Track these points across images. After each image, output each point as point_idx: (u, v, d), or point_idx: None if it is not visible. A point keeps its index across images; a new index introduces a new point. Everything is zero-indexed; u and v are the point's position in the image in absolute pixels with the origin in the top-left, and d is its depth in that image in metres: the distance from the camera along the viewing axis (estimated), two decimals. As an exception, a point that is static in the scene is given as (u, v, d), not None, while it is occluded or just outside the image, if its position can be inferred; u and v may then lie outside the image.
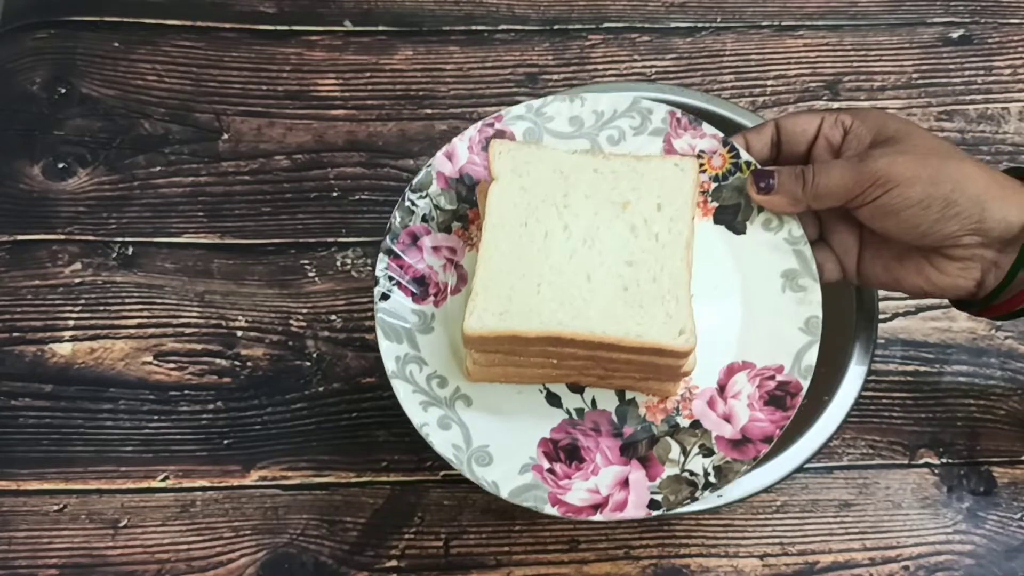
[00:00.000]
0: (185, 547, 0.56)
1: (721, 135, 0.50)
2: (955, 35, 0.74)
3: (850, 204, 0.46)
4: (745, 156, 0.49)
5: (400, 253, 0.49)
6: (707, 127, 0.50)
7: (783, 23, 0.74)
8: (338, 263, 0.64)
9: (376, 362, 0.61)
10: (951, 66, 0.73)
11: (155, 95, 0.70)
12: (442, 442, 0.45)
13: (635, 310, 0.43)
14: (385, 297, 0.48)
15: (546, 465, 0.46)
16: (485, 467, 0.45)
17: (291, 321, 0.62)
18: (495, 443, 0.46)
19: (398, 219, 0.49)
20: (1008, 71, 0.73)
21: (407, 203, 0.49)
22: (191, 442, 0.59)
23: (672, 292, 0.43)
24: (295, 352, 0.62)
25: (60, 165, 0.67)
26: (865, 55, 0.73)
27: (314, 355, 0.61)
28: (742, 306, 0.47)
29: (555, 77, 0.71)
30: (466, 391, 0.47)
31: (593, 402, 0.47)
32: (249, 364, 0.61)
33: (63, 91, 0.70)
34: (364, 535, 0.57)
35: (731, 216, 0.49)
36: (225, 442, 0.59)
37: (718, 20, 0.74)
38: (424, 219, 0.49)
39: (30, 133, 0.68)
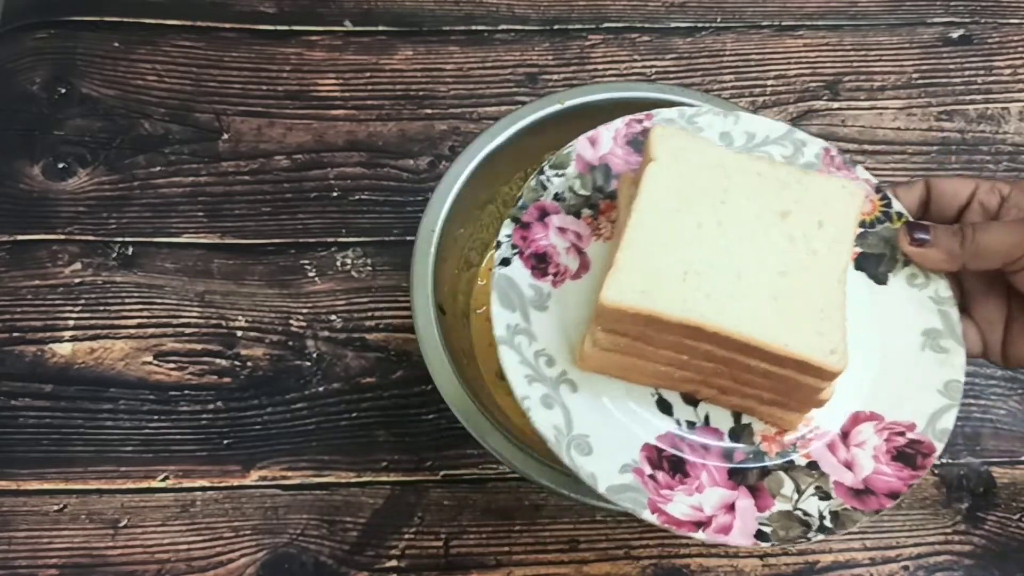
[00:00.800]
0: (185, 547, 0.56)
1: (875, 181, 0.48)
2: (955, 35, 0.74)
3: (1009, 268, 0.44)
4: (897, 206, 0.48)
5: (527, 224, 0.48)
6: (860, 170, 0.49)
7: (783, 23, 0.74)
8: (338, 263, 0.64)
9: (376, 362, 0.62)
10: (951, 66, 0.73)
11: (155, 95, 0.70)
12: (542, 420, 0.43)
13: (785, 320, 0.41)
14: (506, 262, 0.47)
15: (648, 471, 0.44)
16: (585, 456, 0.43)
17: (291, 321, 0.62)
18: (596, 435, 0.44)
19: (530, 191, 0.48)
20: (1008, 71, 0.73)
21: (543, 177, 0.49)
22: (191, 442, 0.59)
23: (825, 311, 0.41)
24: (295, 352, 0.62)
25: (60, 165, 0.67)
26: (865, 55, 0.73)
27: (314, 355, 0.61)
28: (875, 356, 0.46)
29: (555, 77, 0.71)
30: (573, 376, 0.45)
31: (707, 418, 0.45)
32: (249, 364, 0.61)
33: (63, 91, 0.70)
34: (364, 535, 0.57)
35: (874, 265, 0.47)
36: (225, 442, 0.59)
37: (718, 20, 0.74)
38: (556, 197, 0.48)
39: (30, 133, 0.68)
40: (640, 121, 0.50)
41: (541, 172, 0.49)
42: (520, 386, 0.44)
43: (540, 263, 0.47)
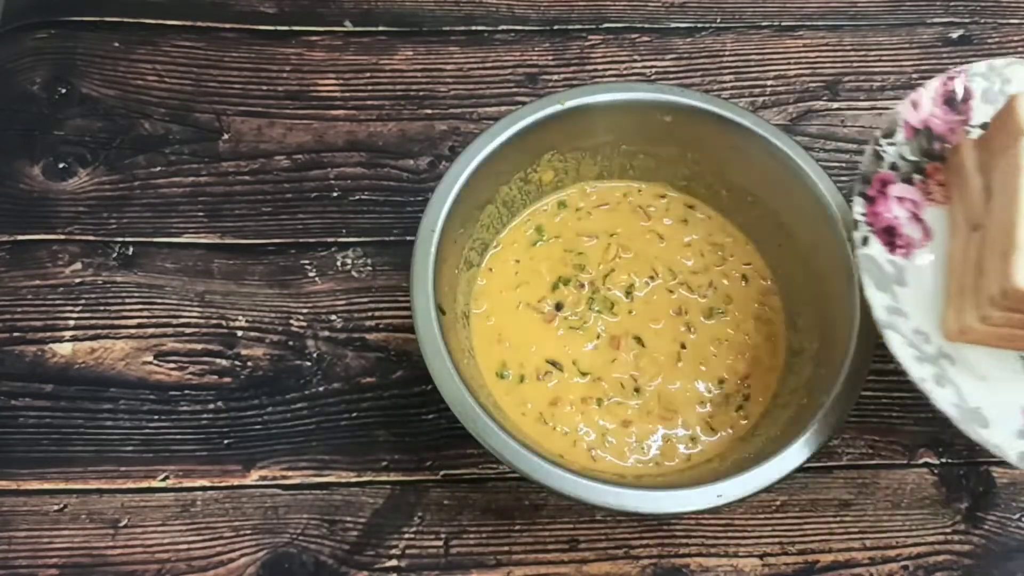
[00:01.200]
0: (185, 547, 0.56)
1: None
2: (955, 35, 0.74)
3: None
4: None
5: (873, 199, 0.48)
6: None
7: (783, 23, 0.74)
8: (338, 263, 0.64)
9: (376, 362, 0.62)
10: (951, 66, 0.73)
11: (155, 95, 0.70)
12: (942, 399, 0.43)
13: None
14: (865, 241, 0.47)
15: None
16: (984, 429, 0.42)
17: (291, 321, 0.62)
18: (985, 405, 0.43)
19: (870, 163, 0.48)
20: (1008, 71, 0.73)
21: (878, 148, 0.49)
22: (191, 442, 0.59)
23: None
24: (295, 352, 0.62)
25: (60, 165, 0.67)
26: (865, 55, 0.73)
27: (314, 355, 0.62)
28: None
29: (555, 77, 0.71)
30: (947, 350, 0.45)
31: None
32: (249, 364, 0.61)
33: (63, 91, 0.70)
34: (364, 535, 0.57)
35: None
36: (225, 442, 0.59)
37: (718, 20, 0.74)
38: (892, 167, 0.48)
39: (30, 133, 0.68)
40: (952, 79, 0.48)
41: (874, 143, 0.49)
42: (913, 367, 0.44)
43: (890, 237, 0.47)
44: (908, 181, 0.49)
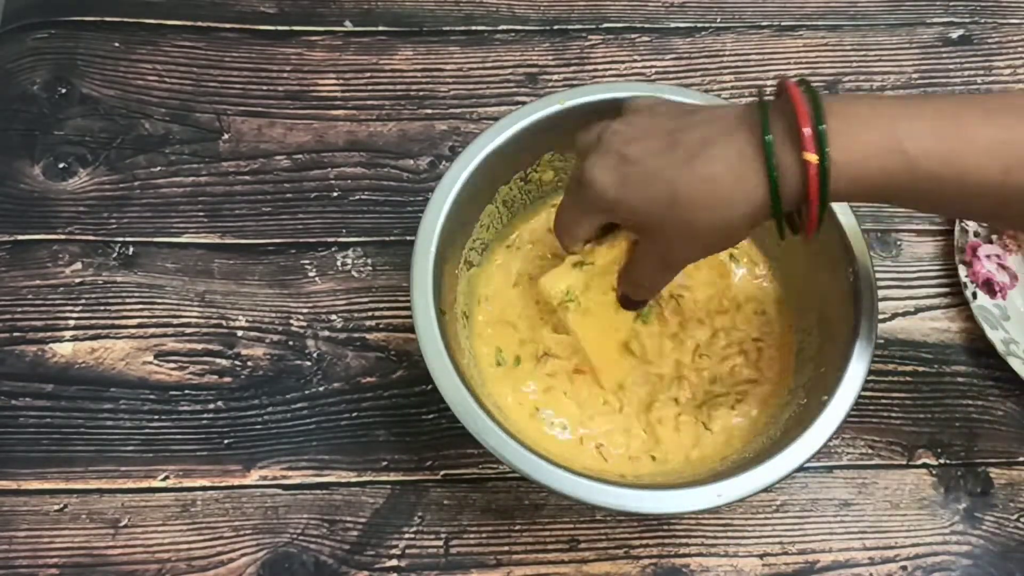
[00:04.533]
0: (185, 547, 0.56)
1: None
2: (955, 35, 0.74)
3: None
4: None
5: (970, 263, 0.63)
6: None
7: (783, 23, 0.74)
8: (338, 263, 0.65)
9: (376, 362, 0.62)
10: (951, 66, 0.73)
11: (156, 95, 0.70)
12: None
13: None
14: (975, 296, 0.62)
15: None
16: None
17: (291, 321, 0.63)
18: None
19: (959, 237, 0.64)
20: (1008, 71, 0.73)
21: (963, 224, 0.64)
22: (191, 442, 0.59)
23: None
24: (295, 352, 0.62)
25: (61, 165, 0.67)
26: (865, 55, 0.73)
27: (314, 355, 0.62)
28: None
29: (555, 77, 0.71)
30: None
31: None
32: (249, 364, 0.61)
33: (63, 91, 0.70)
34: (364, 535, 0.57)
35: None
36: (225, 442, 0.59)
37: (718, 20, 0.74)
38: (976, 235, 0.64)
39: (30, 133, 0.68)
40: None
41: (960, 221, 0.64)
42: None
43: (990, 287, 0.62)
44: (989, 241, 0.64)
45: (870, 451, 0.60)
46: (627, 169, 0.45)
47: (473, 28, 0.73)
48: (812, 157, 0.41)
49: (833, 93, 0.71)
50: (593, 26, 0.74)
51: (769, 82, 0.72)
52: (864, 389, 0.51)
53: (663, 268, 0.49)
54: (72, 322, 0.62)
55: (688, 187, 0.43)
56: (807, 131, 0.41)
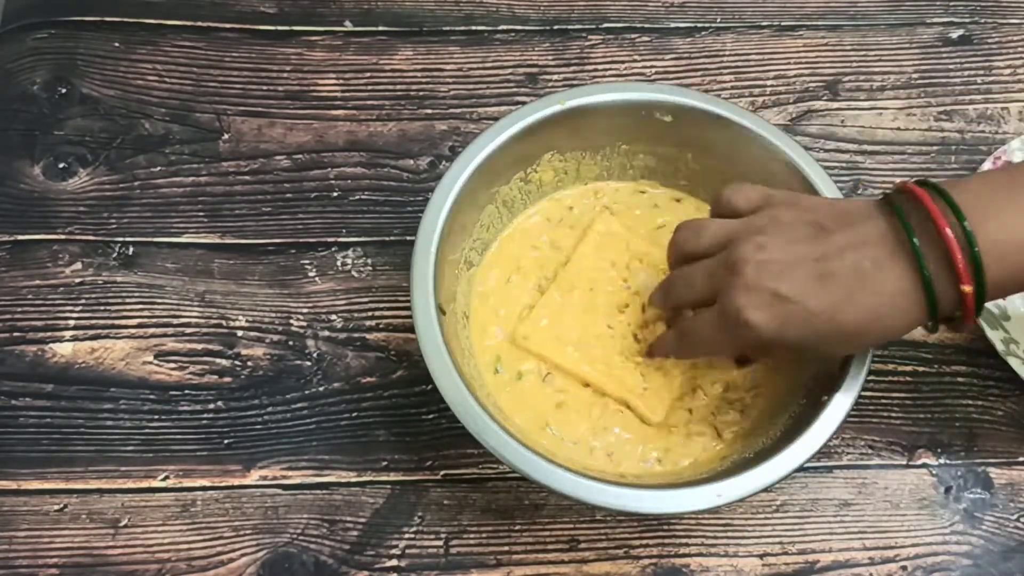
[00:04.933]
0: (185, 547, 0.56)
1: None
2: (955, 35, 0.74)
3: None
4: None
5: None
6: None
7: (783, 23, 0.74)
8: (338, 263, 0.65)
9: (376, 362, 0.62)
10: (951, 66, 0.73)
11: (156, 95, 0.70)
12: None
13: None
14: None
15: None
16: None
17: (291, 321, 0.63)
18: None
19: None
20: (1008, 71, 0.73)
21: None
22: (191, 442, 0.59)
23: None
24: (295, 352, 0.62)
25: (61, 165, 0.67)
26: (865, 55, 0.73)
27: (314, 355, 0.62)
28: None
29: (555, 77, 0.71)
30: None
31: None
32: (249, 364, 0.61)
33: (63, 91, 0.70)
34: (364, 535, 0.57)
35: None
36: (225, 442, 0.59)
37: (718, 20, 0.74)
38: None
39: (30, 133, 0.68)
40: (998, 159, 0.60)
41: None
42: None
43: None
44: None
45: (870, 451, 0.60)
46: (785, 309, 0.45)
47: (473, 28, 0.73)
48: (969, 289, 0.43)
49: (832, 92, 0.71)
50: (593, 26, 0.74)
51: (769, 82, 0.72)
52: (864, 389, 0.51)
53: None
54: (72, 322, 0.62)
55: (851, 323, 0.45)
56: (961, 263, 0.43)
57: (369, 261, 0.65)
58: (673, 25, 0.74)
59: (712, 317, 0.48)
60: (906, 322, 0.45)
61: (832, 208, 0.48)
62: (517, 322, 0.57)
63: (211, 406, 0.60)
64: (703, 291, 0.49)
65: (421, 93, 0.71)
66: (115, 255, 0.64)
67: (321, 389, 0.61)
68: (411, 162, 0.68)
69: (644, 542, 0.57)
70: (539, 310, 0.57)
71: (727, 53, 0.73)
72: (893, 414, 0.61)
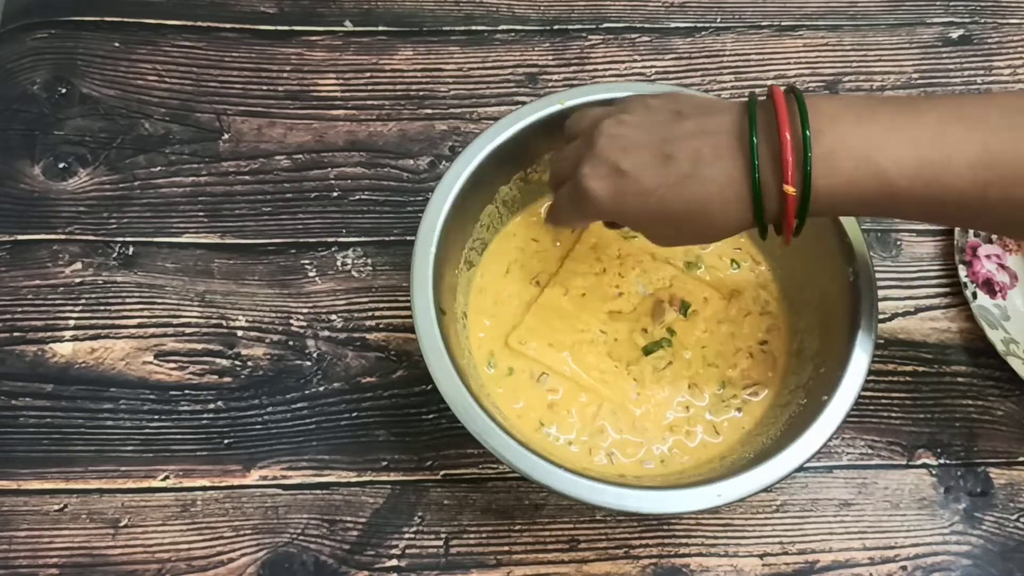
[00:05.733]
0: (186, 546, 0.56)
1: None
2: (955, 35, 0.74)
3: None
4: None
5: (970, 262, 0.63)
6: None
7: (783, 23, 0.74)
8: (338, 263, 0.65)
9: (376, 362, 0.62)
10: (951, 66, 0.73)
11: (156, 95, 0.70)
12: None
13: None
14: (975, 296, 0.62)
15: None
16: None
17: (291, 321, 0.63)
18: None
19: (960, 236, 0.64)
20: (1008, 71, 0.73)
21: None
22: (192, 442, 0.59)
23: None
24: (295, 352, 0.62)
25: (61, 165, 0.67)
26: (865, 55, 0.73)
27: (314, 355, 0.62)
28: None
29: (555, 77, 0.71)
30: None
31: None
32: (249, 364, 0.61)
33: (63, 91, 0.70)
34: (364, 535, 0.57)
35: None
36: (226, 442, 0.59)
37: (718, 20, 0.74)
38: (976, 234, 0.64)
39: (30, 133, 0.68)
40: None
41: None
42: None
43: (990, 287, 0.62)
44: (989, 241, 0.64)
45: (870, 451, 0.60)
46: (621, 181, 0.46)
47: (473, 28, 0.73)
48: (792, 190, 0.43)
49: (831, 92, 0.71)
50: (593, 26, 0.74)
51: (769, 82, 0.72)
52: (864, 389, 0.51)
53: (648, 239, 0.51)
54: (72, 322, 0.62)
55: (680, 205, 0.45)
56: (791, 164, 0.43)
57: (369, 261, 0.65)
58: (673, 25, 0.74)
59: (568, 186, 0.50)
60: (732, 216, 0.45)
61: (698, 100, 0.49)
62: (511, 327, 0.57)
63: (211, 406, 0.60)
64: (572, 159, 0.50)
65: (421, 93, 0.71)
66: (115, 255, 0.64)
67: (321, 389, 0.61)
68: (411, 162, 0.68)
69: (644, 542, 0.57)
70: (532, 316, 0.57)
71: (727, 53, 0.73)
72: (893, 414, 0.61)
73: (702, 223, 0.46)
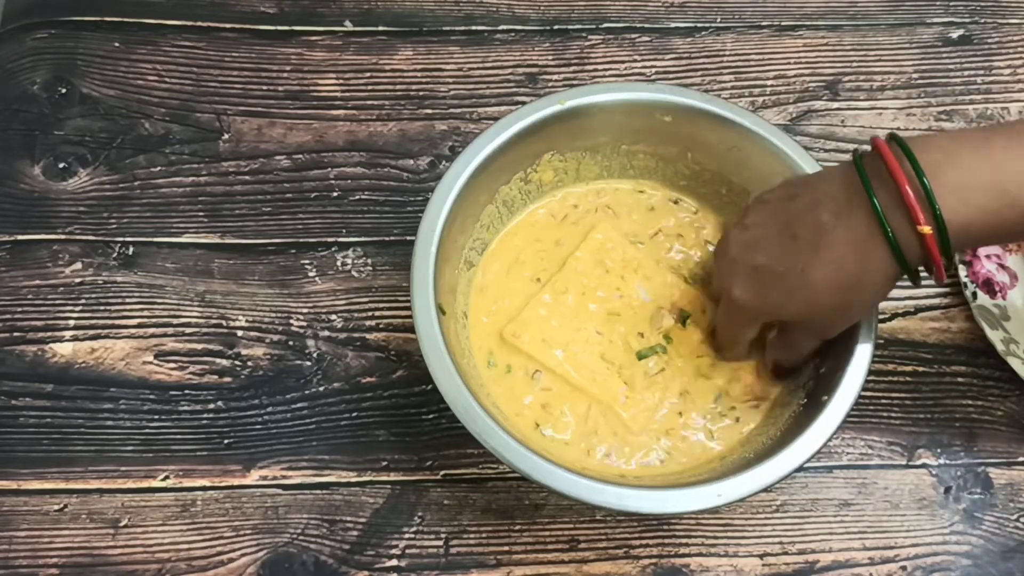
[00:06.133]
0: (186, 546, 0.56)
1: None
2: (955, 35, 0.74)
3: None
4: None
5: (970, 262, 0.62)
6: None
7: (783, 23, 0.74)
8: (338, 263, 0.65)
9: (376, 362, 0.62)
10: (951, 66, 0.73)
11: (156, 95, 0.70)
12: None
13: None
14: (975, 296, 0.61)
15: None
16: None
17: (291, 321, 0.63)
18: None
19: None
20: (1008, 71, 0.73)
21: None
22: (192, 442, 0.59)
23: None
24: (295, 352, 0.62)
25: (61, 165, 0.67)
26: (865, 55, 0.73)
27: (314, 355, 0.62)
28: None
29: (555, 77, 0.71)
30: None
31: None
32: (250, 364, 0.61)
33: (63, 91, 0.70)
34: (364, 535, 0.57)
35: None
36: (226, 442, 0.59)
37: (718, 20, 0.74)
38: None
39: (31, 133, 0.68)
40: None
41: None
42: None
43: (990, 287, 0.62)
44: None
45: (870, 451, 0.60)
46: (760, 277, 0.48)
47: (473, 28, 0.73)
48: (927, 229, 0.43)
49: (832, 92, 0.71)
50: (593, 26, 0.74)
51: (769, 82, 0.72)
52: (864, 389, 0.51)
53: (816, 340, 0.52)
54: (72, 322, 0.62)
55: (820, 277, 0.46)
56: (914, 201, 0.43)
57: (369, 261, 0.65)
58: (673, 25, 0.74)
59: (720, 306, 0.52)
60: (875, 270, 0.45)
61: (806, 177, 0.50)
62: (507, 320, 0.57)
63: (211, 406, 0.60)
64: (718, 282, 0.52)
65: (421, 93, 0.71)
66: (115, 255, 0.64)
67: (321, 389, 0.61)
68: (411, 162, 0.68)
69: (644, 542, 0.57)
70: (530, 309, 0.57)
71: (727, 53, 0.73)
72: (893, 414, 0.61)
73: (848, 287, 0.46)
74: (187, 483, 0.58)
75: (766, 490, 0.50)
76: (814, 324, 0.50)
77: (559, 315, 0.57)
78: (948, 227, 0.43)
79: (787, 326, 0.52)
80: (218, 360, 0.61)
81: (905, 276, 0.46)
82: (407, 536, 0.57)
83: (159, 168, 0.67)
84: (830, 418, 0.50)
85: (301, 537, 0.57)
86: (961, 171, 0.43)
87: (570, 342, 0.57)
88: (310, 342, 0.62)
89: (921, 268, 0.46)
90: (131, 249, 0.64)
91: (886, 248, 0.44)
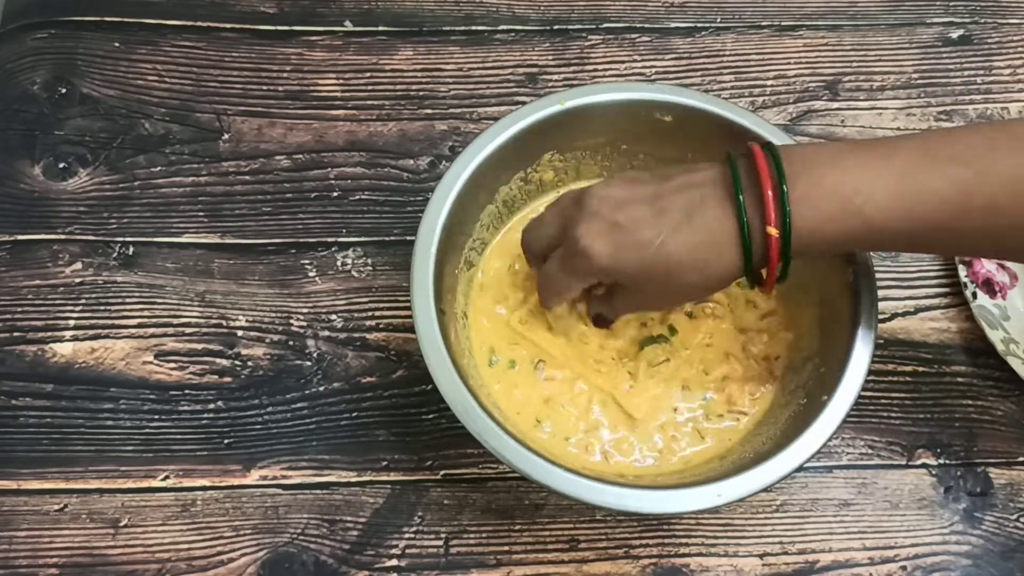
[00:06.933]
0: (186, 546, 0.56)
1: None
2: (955, 35, 0.74)
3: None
4: None
5: (969, 262, 0.62)
6: None
7: (783, 23, 0.74)
8: (338, 263, 0.65)
9: (376, 362, 0.62)
10: (951, 66, 0.73)
11: (156, 95, 0.70)
12: None
13: None
14: (975, 296, 0.61)
15: None
16: None
17: (291, 321, 0.63)
18: None
19: None
20: (1008, 71, 0.73)
21: None
22: (192, 442, 0.59)
23: None
24: (295, 352, 0.62)
25: (61, 165, 0.67)
26: (865, 55, 0.73)
27: (314, 355, 0.62)
28: None
29: (555, 77, 0.71)
30: None
31: None
32: (250, 364, 0.61)
33: (63, 91, 0.70)
34: (364, 535, 0.57)
35: None
36: (226, 442, 0.59)
37: (718, 20, 0.74)
38: None
39: (31, 133, 0.68)
40: None
41: None
42: None
43: (990, 287, 0.62)
44: None
45: (870, 451, 0.60)
46: (620, 237, 0.48)
47: (473, 28, 0.73)
48: (775, 232, 0.45)
49: (832, 92, 0.71)
50: (593, 26, 0.74)
51: (769, 82, 0.72)
52: (864, 389, 0.51)
53: (638, 308, 0.55)
54: (72, 322, 0.62)
55: (678, 254, 0.47)
56: (772, 206, 0.45)
57: (369, 261, 0.65)
58: (673, 25, 0.74)
59: (559, 252, 0.51)
60: (726, 262, 0.47)
61: (681, 166, 0.51)
62: (512, 309, 0.58)
63: (211, 406, 0.60)
64: (554, 229, 0.51)
65: (421, 93, 0.71)
66: (115, 255, 0.64)
67: (321, 389, 0.61)
68: (411, 162, 0.68)
69: (644, 542, 0.57)
70: (536, 299, 0.57)
71: (727, 53, 0.73)
72: (893, 414, 0.61)
73: (697, 272, 0.47)
74: (187, 483, 0.58)
75: (766, 490, 0.50)
76: (648, 294, 0.51)
77: (563, 307, 0.57)
78: (796, 232, 0.45)
79: (616, 288, 0.52)
80: (218, 360, 0.61)
81: (744, 278, 0.49)
82: (407, 536, 0.57)
83: (159, 168, 0.67)
84: (830, 418, 0.50)
85: (301, 537, 0.57)
86: (815, 179, 0.45)
87: (575, 333, 0.57)
88: (310, 342, 0.62)
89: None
90: (131, 249, 0.64)
91: (739, 244, 0.46)
